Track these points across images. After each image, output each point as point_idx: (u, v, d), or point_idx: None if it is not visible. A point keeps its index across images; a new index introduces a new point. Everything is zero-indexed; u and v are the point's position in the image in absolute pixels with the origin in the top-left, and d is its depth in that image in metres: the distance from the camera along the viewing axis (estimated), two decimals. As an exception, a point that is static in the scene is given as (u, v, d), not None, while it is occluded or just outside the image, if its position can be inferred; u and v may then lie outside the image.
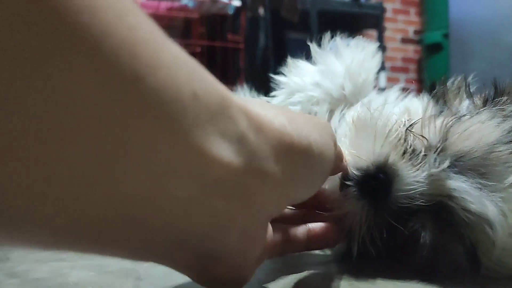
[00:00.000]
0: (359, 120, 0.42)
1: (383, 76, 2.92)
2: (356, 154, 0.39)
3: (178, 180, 0.20)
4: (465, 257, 0.38)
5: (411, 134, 0.40)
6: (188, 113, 0.20)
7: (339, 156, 0.35)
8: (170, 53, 0.20)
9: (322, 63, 0.58)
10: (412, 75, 3.84)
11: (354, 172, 0.39)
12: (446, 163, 0.37)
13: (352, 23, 3.13)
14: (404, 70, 3.82)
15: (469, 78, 0.49)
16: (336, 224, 0.40)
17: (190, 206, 0.22)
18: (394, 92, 0.55)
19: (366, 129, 0.41)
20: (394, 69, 3.76)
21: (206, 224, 0.23)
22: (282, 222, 0.38)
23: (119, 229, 0.20)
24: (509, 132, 0.39)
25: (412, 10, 3.88)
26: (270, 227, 0.32)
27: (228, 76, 2.14)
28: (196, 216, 0.22)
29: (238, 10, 2.23)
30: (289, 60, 0.61)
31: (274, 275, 0.39)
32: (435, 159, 0.38)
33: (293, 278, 0.39)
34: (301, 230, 0.38)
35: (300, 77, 0.59)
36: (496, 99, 0.44)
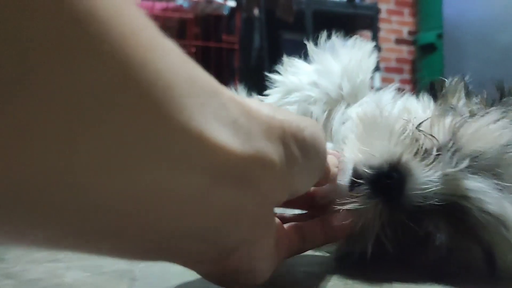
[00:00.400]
0: (368, 117, 0.42)
1: (377, 76, 2.93)
2: (369, 152, 0.38)
3: (189, 170, 0.20)
4: (482, 258, 0.37)
5: (422, 133, 0.40)
6: (188, 98, 0.20)
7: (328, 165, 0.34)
8: (164, 41, 0.20)
9: (319, 62, 0.58)
10: (407, 75, 3.86)
11: (366, 170, 0.38)
12: (464, 163, 0.37)
13: (347, 24, 3.14)
14: (399, 70, 3.83)
15: (465, 78, 0.50)
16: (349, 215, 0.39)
17: (203, 197, 0.22)
18: (389, 92, 0.55)
19: (377, 127, 0.40)
20: (388, 69, 3.78)
21: (219, 214, 0.23)
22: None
23: (135, 224, 0.20)
24: None
25: (406, 11, 3.90)
26: (279, 223, 0.33)
27: (223, 76, 2.14)
28: (209, 206, 0.22)
29: (233, 10, 2.23)
30: (285, 59, 0.61)
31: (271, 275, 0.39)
32: (450, 158, 0.38)
33: (289, 277, 0.39)
34: (315, 223, 0.38)
35: (297, 76, 0.58)
36: (504, 100, 0.44)
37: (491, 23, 2.50)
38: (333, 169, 0.38)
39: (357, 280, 0.38)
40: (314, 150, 0.30)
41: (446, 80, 0.50)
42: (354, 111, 0.45)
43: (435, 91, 0.49)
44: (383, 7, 3.73)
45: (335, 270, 0.41)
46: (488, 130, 0.39)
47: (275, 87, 0.61)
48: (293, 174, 0.28)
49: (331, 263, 0.43)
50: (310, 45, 0.59)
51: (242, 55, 2.31)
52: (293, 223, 0.37)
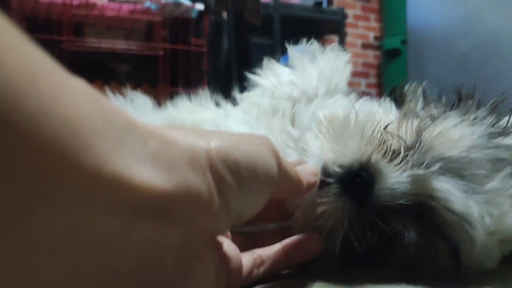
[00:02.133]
0: (337, 118, 0.42)
1: (344, 80, 2.98)
2: (340, 151, 0.39)
3: (99, 213, 0.19)
4: (448, 256, 0.38)
5: (389, 135, 0.41)
6: (101, 140, 0.19)
7: (285, 172, 0.33)
8: (70, 84, 0.19)
9: (297, 66, 0.60)
10: (373, 79, 3.93)
11: (336, 169, 0.38)
12: (432, 165, 0.38)
13: (314, 28, 3.17)
14: (365, 75, 3.90)
15: (424, 83, 0.52)
16: (315, 232, 0.39)
17: (120, 237, 0.20)
18: (354, 96, 0.57)
19: (347, 127, 0.41)
20: (355, 74, 3.84)
21: (141, 252, 0.22)
22: (256, 245, 0.38)
23: (51, 274, 0.19)
24: (481, 137, 0.40)
25: (372, 17, 3.98)
26: (232, 250, 0.32)
27: (191, 79, 2.13)
28: (128, 245, 0.21)
29: (201, 13, 2.23)
30: (265, 61, 0.63)
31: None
32: (417, 160, 0.39)
33: (271, 284, 0.38)
34: (275, 248, 0.38)
35: (276, 78, 0.60)
36: (463, 104, 0.46)
37: (452, 30, 2.58)
38: (310, 179, 0.38)
39: (327, 281, 0.38)
40: (252, 170, 0.28)
41: (405, 85, 0.52)
42: (321, 113, 0.46)
43: (396, 95, 0.51)
44: (350, 12, 3.79)
45: (302, 271, 0.41)
46: (450, 133, 0.40)
47: (255, 87, 0.62)
48: (228, 201, 0.26)
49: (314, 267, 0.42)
50: (290, 50, 0.62)
51: (211, 58, 2.30)
52: (249, 250, 0.36)
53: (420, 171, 0.38)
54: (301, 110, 0.54)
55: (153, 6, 2.09)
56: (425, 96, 0.51)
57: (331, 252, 0.39)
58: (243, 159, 0.27)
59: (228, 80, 2.14)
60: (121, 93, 0.79)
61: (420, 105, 0.50)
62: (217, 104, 0.73)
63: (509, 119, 0.45)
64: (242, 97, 0.64)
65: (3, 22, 0.17)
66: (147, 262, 0.23)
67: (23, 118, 0.16)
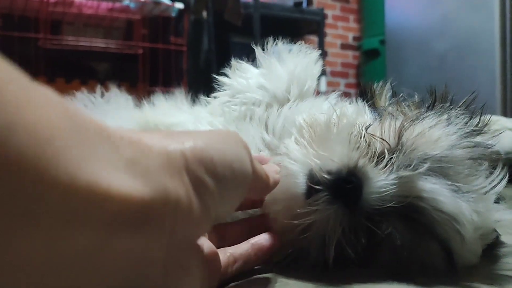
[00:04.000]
0: (318, 122, 0.42)
1: (323, 80, 3.00)
2: (327, 157, 0.38)
3: (76, 227, 0.18)
4: (441, 255, 0.39)
5: (372, 137, 0.41)
6: (73, 149, 0.18)
7: (256, 169, 0.33)
8: (38, 93, 0.18)
9: (266, 66, 0.59)
10: (352, 79, 3.97)
11: (325, 175, 0.38)
12: (418, 166, 0.38)
13: (294, 28, 3.19)
14: (344, 75, 3.93)
15: (389, 83, 0.53)
16: (303, 239, 0.38)
17: (99, 253, 0.20)
18: (332, 97, 0.57)
19: (330, 132, 0.40)
20: (334, 73, 3.87)
21: (123, 268, 0.21)
22: (226, 243, 0.38)
23: None
24: (459, 136, 0.41)
25: (351, 17, 4.01)
26: (211, 250, 0.32)
27: (171, 78, 2.11)
28: (108, 262, 0.20)
29: (181, 12, 2.22)
30: (233, 61, 0.61)
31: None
32: (402, 161, 0.39)
33: (259, 283, 0.39)
34: (245, 247, 0.38)
35: (245, 79, 0.59)
36: (439, 104, 0.46)
37: (429, 31, 2.63)
38: (275, 176, 0.37)
39: (316, 281, 0.39)
40: (228, 167, 0.28)
41: (373, 84, 0.52)
42: (300, 117, 0.45)
43: (366, 95, 0.52)
44: (329, 13, 3.82)
45: (291, 274, 0.40)
46: (430, 133, 0.41)
47: (223, 89, 0.61)
48: (207, 203, 0.26)
49: (285, 267, 0.42)
50: (258, 50, 0.60)
51: (191, 57, 2.29)
52: (223, 249, 0.36)
53: (406, 173, 0.38)
54: (273, 115, 0.53)
55: (132, 5, 2.07)
56: (394, 95, 0.51)
57: (320, 257, 0.39)
58: (218, 157, 0.27)
59: (208, 79, 2.14)
60: (102, 92, 0.78)
61: (388, 103, 0.51)
62: (193, 105, 0.72)
63: (480, 117, 0.47)
64: (209, 100, 0.63)
65: None
66: (133, 277, 0.22)
67: None
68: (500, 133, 0.48)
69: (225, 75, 0.62)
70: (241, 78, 0.60)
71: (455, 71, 2.41)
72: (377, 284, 0.39)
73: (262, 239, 0.39)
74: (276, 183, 0.37)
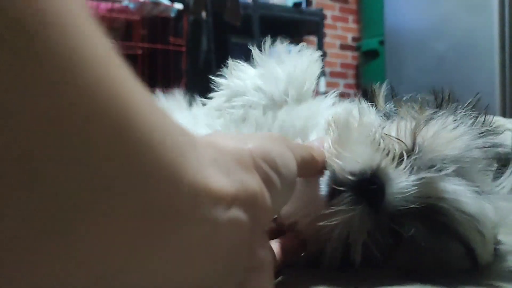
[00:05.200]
0: (342, 123, 0.42)
1: (323, 81, 3.01)
2: (351, 158, 0.38)
3: (194, 223, 0.21)
4: (464, 255, 0.39)
5: (391, 139, 0.41)
6: (187, 154, 0.20)
7: (304, 159, 0.35)
8: (148, 98, 0.20)
9: (264, 67, 0.59)
10: (351, 80, 3.97)
11: (349, 176, 0.38)
12: (447, 168, 0.38)
13: (293, 29, 3.19)
14: (343, 75, 3.94)
15: (386, 84, 0.53)
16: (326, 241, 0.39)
17: (208, 246, 0.22)
18: (331, 98, 0.57)
19: (353, 133, 0.40)
20: (333, 74, 3.87)
21: (226, 254, 0.24)
22: None
23: None
24: (474, 135, 0.41)
25: (351, 18, 4.02)
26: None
27: (170, 79, 2.11)
28: (217, 250, 0.23)
29: (180, 13, 2.22)
30: (230, 62, 0.61)
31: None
32: (422, 162, 0.39)
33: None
34: (274, 246, 0.38)
35: (241, 80, 0.59)
36: (446, 105, 0.47)
37: (428, 32, 2.63)
38: (321, 159, 0.39)
39: (329, 281, 0.39)
40: (285, 167, 0.30)
41: (373, 85, 0.52)
42: (326, 115, 0.46)
43: (367, 96, 0.52)
44: (328, 13, 3.82)
45: (312, 276, 0.40)
46: (445, 134, 0.41)
47: (220, 90, 0.61)
48: (273, 196, 0.28)
49: (306, 269, 0.42)
50: (255, 50, 0.60)
51: (190, 58, 2.29)
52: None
53: (428, 174, 0.38)
54: (269, 119, 0.54)
55: (131, 5, 2.07)
56: (394, 95, 0.52)
57: (343, 259, 0.39)
58: (278, 157, 0.29)
59: (207, 80, 2.14)
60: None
61: (388, 104, 0.51)
62: (190, 106, 0.72)
63: (485, 118, 0.47)
64: (205, 101, 0.63)
65: (119, 65, 0.18)
66: (230, 260, 0.24)
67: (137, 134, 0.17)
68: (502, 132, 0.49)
69: (222, 75, 0.61)
70: (238, 79, 0.59)
71: (454, 71, 2.41)
72: (394, 286, 0.39)
73: (288, 240, 0.40)
74: (323, 163, 0.39)
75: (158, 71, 2.07)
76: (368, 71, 3.62)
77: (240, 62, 0.61)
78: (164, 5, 2.12)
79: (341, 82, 3.90)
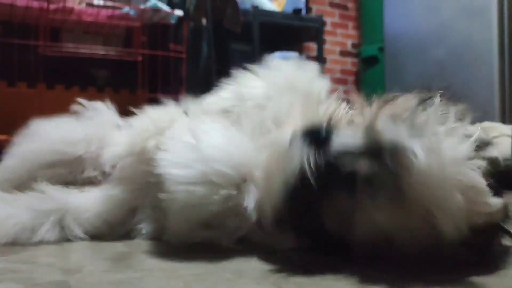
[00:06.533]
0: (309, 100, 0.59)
1: (323, 87, 3.01)
2: (310, 117, 0.53)
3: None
4: (391, 179, 0.47)
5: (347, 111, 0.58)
6: None
7: None
8: None
9: (267, 79, 0.69)
10: (351, 86, 3.99)
11: (306, 130, 0.52)
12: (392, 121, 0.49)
13: (293, 35, 3.21)
14: (343, 81, 3.95)
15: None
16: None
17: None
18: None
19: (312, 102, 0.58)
20: (333, 80, 3.89)
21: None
22: None
23: None
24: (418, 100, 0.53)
25: (350, 24, 4.04)
26: None
27: (170, 85, 2.12)
28: None
29: (180, 20, 2.23)
30: (236, 71, 0.70)
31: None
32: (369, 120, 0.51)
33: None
34: None
35: (250, 88, 0.68)
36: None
37: (427, 38, 2.64)
38: None
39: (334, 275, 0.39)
40: None
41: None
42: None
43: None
44: (328, 20, 3.84)
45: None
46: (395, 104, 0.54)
47: (225, 95, 0.66)
48: None
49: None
50: (254, 67, 0.70)
51: (190, 64, 2.30)
52: None
53: (372, 122, 0.50)
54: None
55: (131, 12, 2.08)
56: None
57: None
58: None
59: (207, 86, 2.14)
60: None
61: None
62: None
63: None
64: (207, 104, 0.70)
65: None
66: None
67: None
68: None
69: (225, 83, 0.67)
70: (246, 88, 0.68)
71: (453, 78, 2.42)
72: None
73: None
74: None
75: (158, 78, 2.08)
76: (368, 77, 3.63)
77: (244, 70, 0.69)
78: (164, 12, 2.14)
79: (341, 88, 3.92)
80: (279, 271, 0.45)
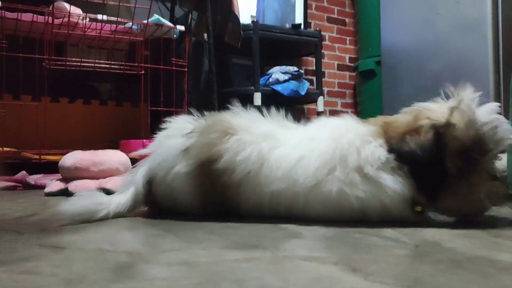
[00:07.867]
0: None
1: (321, 100, 3.05)
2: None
3: None
4: None
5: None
6: None
7: None
8: None
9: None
10: (349, 99, 4.02)
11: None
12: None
13: (292, 50, 3.25)
14: (341, 95, 3.99)
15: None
16: None
17: None
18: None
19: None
20: (331, 94, 3.93)
21: None
22: None
23: None
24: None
25: (348, 39, 4.09)
26: None
27: (172, 99, 2.16)
28: None
29: (182, 34, 2.27)
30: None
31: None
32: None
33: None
34: None
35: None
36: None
37: (423, 53, 2.69)
38: None
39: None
40: None
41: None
42: None
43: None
44: (326, 35, 3.90)
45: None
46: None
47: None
48: None
49: None
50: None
51: (191, 78, 2.34)
52: None
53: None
54: None
55: (135, 27, 2.13)
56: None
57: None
58: None
59: (209, 99, 2.18)
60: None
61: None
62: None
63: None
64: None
65: None
66: None
67: None
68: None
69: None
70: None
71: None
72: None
73: None
74: None
75: (160, 91, 2.11)
76: (365, 90, 3.67)
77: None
78: (167, 27, 2.18)
79: (339, 101, 3.96)
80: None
